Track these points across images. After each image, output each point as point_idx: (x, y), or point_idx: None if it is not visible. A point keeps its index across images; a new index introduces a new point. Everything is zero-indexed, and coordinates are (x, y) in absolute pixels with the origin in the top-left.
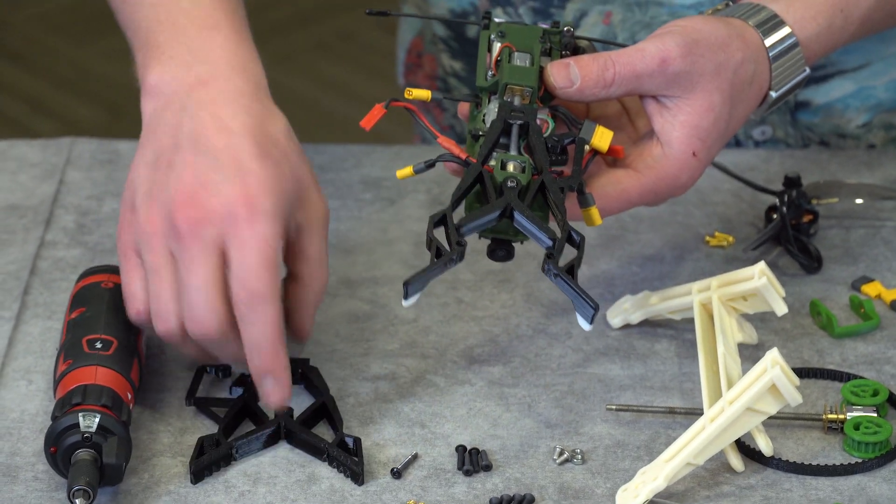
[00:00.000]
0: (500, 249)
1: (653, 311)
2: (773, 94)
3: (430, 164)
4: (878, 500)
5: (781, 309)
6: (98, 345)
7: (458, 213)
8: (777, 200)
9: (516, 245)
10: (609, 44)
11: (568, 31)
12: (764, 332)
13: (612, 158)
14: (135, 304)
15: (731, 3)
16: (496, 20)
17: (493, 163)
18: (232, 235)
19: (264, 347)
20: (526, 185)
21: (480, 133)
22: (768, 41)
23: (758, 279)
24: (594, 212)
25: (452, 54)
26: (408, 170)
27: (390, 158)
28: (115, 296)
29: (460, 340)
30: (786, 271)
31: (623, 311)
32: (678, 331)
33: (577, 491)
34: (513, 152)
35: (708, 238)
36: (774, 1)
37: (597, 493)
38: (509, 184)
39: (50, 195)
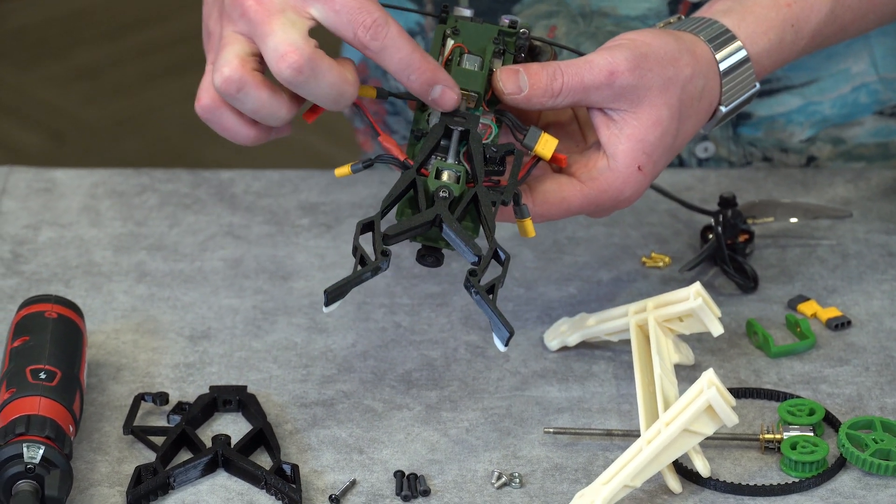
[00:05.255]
0: (430, 256)
1: (590, 333)
2: (724, 109)
3: (368, 164)
4: None
5: (717, 330)
6: (42, 375)
7: (391, 218)
8: (713, 220)
9: (457, 266)
10: (565, 48)
11: (524, 33)
12: (700, 352)
13: (557, 167)
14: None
15: (682, 18)
16: (455, 14)
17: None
18: None
19: (413, 62)
20: (459, 196)
21: (424, 133)
22: (719, 56)
23: (693, 300)
24: (528, 224)
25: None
26: (346, 168)
27: (327, 184)
28: (59, 326)
29: (398, 365)
30: (722, 291)
31: (560, 334)
32: (616, 352)
33: None
34: (450, 160)
35: (644, 259)
36: (726, 15)
37: None
38: (441, 194)
39: None
